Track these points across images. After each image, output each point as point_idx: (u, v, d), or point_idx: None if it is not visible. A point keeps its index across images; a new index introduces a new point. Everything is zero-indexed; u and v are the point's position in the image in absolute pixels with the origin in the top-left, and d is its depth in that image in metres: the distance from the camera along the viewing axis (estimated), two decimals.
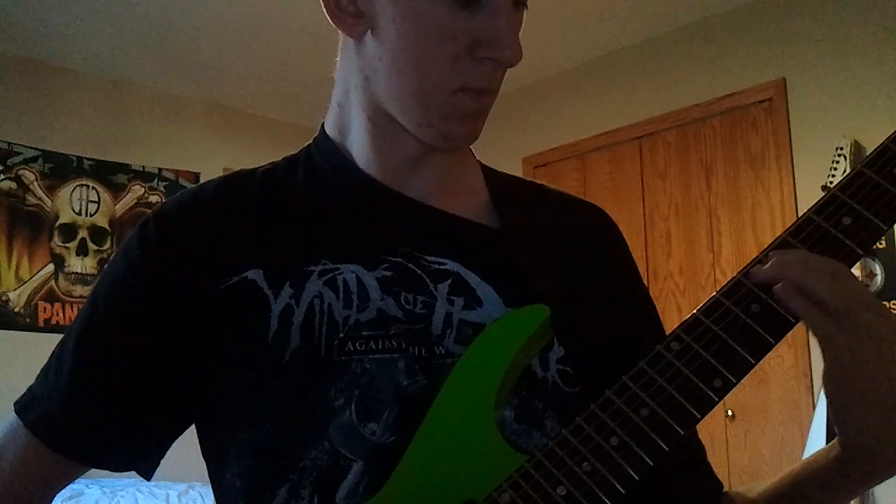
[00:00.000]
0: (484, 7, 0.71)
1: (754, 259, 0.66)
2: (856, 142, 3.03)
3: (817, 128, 3.25)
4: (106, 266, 0.81)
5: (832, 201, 0.67)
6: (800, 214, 2.88)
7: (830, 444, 0.71)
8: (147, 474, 0.80)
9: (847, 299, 0.62)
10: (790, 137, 3.34)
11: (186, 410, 0.77)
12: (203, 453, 0.77)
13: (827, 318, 0.62)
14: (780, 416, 3.23)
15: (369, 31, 0.74)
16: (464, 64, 0.72)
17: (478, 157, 0.89)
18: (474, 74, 0.73)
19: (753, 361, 0.63)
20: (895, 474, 0.68)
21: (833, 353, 0.63)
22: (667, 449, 0.61)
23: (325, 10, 0.76)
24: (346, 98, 0.81)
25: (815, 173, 3.14)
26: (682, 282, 3.63)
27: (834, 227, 0.66)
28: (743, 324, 0.64)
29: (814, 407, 2.93)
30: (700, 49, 3.68)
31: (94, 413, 0.75)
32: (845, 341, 0.62)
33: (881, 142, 0.68)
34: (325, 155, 0.83)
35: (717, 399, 0.62)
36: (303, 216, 0.79)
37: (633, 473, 0.60)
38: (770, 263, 0.65)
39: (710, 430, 3.34)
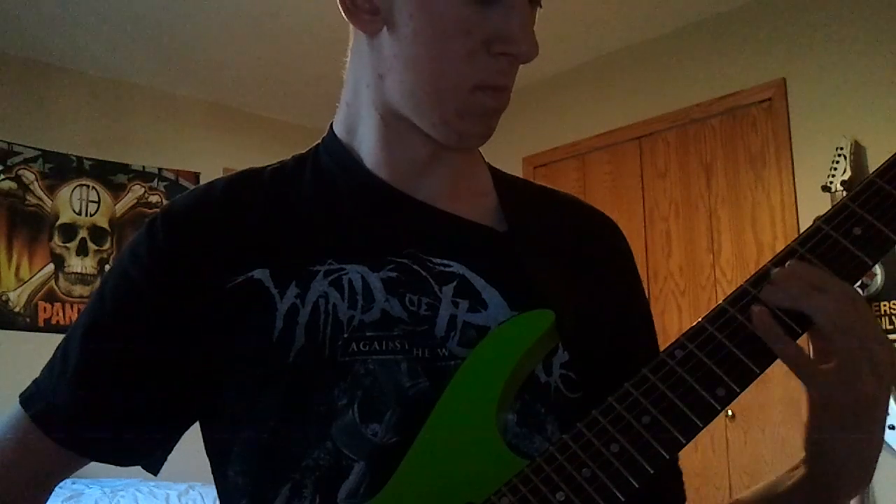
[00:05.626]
0: (499, 3, 0.71)
1: (761, 268, 0.66)
2: (856, 142, 3.03)
3: (817, 128, 3.24)
4: (113, 262, 0.81)
5: (842, 210, 0.65)
6: (799, 215, 2.86)
7: (793, 466, 0.72)
8: (153, 469, 0.80)
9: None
10: (790, 137, 3.34)
11: (190, 407, 0.77)
12: (207, 451, 0.77)
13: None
14: (780, 416, 3.22)
15: (385, 27, 0.74)
16: (480, 60, 0.72)
17: None
18: (491, 70, 0.73)
19: (758, 371, 0.62)
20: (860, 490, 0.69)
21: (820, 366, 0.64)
22: (668, 457, 0.60)
23: (340, 6, 0.76)
24: (356, 97, 0.81)
25: (815, 173, 3.14)
26: (682, 282, 3.62)
27: (844, 237, 0.64)
28: (748, 333, 0.63)
29: None
30: (700, 49, 3.68)
31: (97, 407, 0.75)
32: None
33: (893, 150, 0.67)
34: (332, 155, 0.83)
35: (719, 408, 0.61)
36: (309, 216, 0.79)
37: (632, 481, 0.60)
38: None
39: (711, 430, 3.33)
